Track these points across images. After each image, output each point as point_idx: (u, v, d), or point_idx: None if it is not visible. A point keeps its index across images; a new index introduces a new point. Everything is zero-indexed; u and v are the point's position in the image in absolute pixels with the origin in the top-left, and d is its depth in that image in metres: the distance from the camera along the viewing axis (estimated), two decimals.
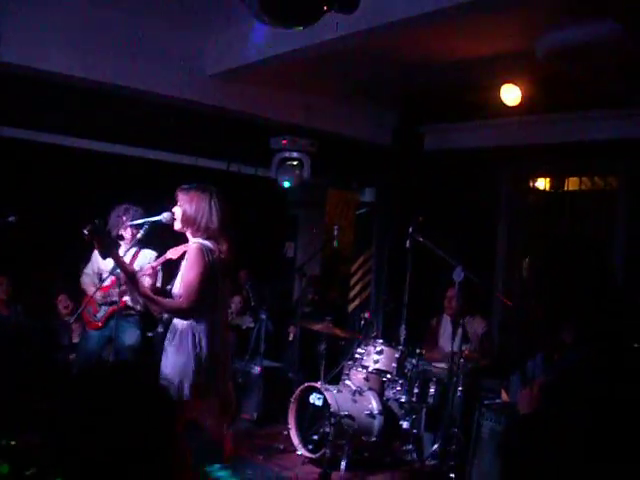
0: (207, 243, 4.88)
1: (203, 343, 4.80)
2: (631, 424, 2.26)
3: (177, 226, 4.97)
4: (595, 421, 2.25)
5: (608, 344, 2.32)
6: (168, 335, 4.93)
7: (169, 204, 5.02)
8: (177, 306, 4.79)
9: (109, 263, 6.21)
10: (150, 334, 5.64)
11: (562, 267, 2.52)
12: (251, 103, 8.13)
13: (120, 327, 6.53)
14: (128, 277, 4.86)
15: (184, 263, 4.85)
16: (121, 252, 6.66)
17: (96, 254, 6.67)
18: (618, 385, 2.25)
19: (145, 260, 6.62)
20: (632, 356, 2.33)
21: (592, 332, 2.37)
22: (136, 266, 6.44)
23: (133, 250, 6.70)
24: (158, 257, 6.05)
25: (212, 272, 4.84)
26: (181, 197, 4.98)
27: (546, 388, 2.44)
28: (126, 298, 6.73)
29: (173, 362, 4.78)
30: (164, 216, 5.03)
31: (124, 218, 6.69)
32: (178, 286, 4.83)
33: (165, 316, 5.56)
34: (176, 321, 4.90)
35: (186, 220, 4.93)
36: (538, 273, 2.60)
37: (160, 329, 5.23)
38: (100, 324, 6.84)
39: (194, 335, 4.79)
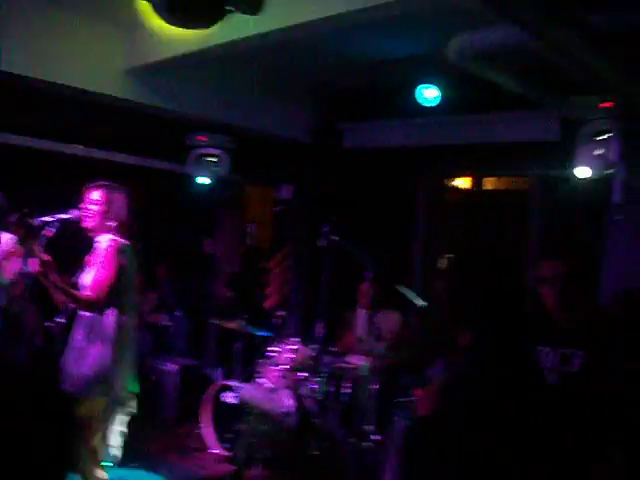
0: (121, 240, 4.85)
1: (112, 337, 4.78)
2: (512, 425, 2.31)
3: (88, 223, 4.91)
4: (477, 422, 2.29)
5: (497, 348, 2.37)
6: (77, 329, 4.86)
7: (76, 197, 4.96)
8: (86, 299, 4.73)
9: None
10: (48, 324, 5.52)
11: (463, 278, 2.58)
12: (168, 98, 8.04)
13: None
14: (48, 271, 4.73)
15: (99, 257, 4.80)
16: None
17: None
18: (501, 387, 2.30)
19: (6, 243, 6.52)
20: (516, 360, 2.38)
21: (485, 337, 2.41)
22: None
23: None
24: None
25: (125, 268, 4.84)
26: (93, 194, 4.94)
27: (441, 390, 2.48)
28: None
29: (85, 356, 4.74)
30: (74, 213, 4.97)
31: None
32: (88, 279, 4.79)
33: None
34: (85, 315, 4.84)
35: (100, 217, 4.88)
36: (448, 282, 2.67)
37: (60, 319, 5.13)
38: None
39: (104, 329, 4.76)
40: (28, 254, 4.90)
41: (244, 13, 3.03)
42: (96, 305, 4.76)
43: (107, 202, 4.91)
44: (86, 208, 4.91)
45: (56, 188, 7.55)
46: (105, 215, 4.90)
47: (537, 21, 3.58)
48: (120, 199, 5.00)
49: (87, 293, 4.74)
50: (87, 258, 4.97)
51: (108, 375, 4.79)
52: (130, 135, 8.72)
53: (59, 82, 7.23)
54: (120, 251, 4.84)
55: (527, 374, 2.42)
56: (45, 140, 8.70)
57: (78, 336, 4.84)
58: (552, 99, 6.52)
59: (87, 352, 4.77)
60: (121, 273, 4.82)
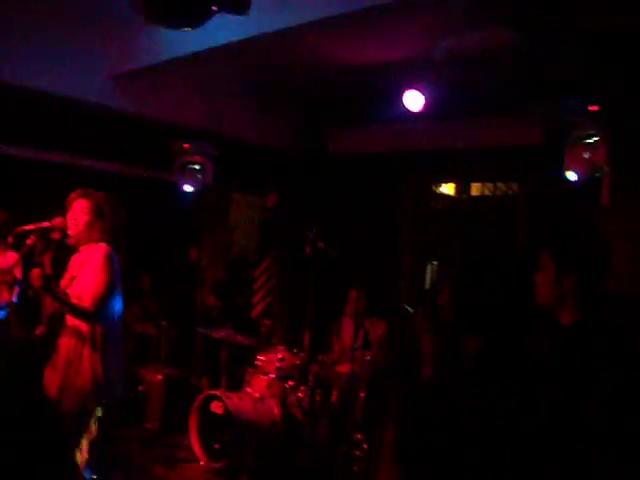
0: (111, 249, 4.78)
1: (107, 347, 4.71)
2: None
3: (74, 232, 4.82)
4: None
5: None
6: (69, 339, 4.75)
7: (59, 206, 4.88)
8: (85, 310, 4.63)
9: None
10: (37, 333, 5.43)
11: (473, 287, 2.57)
12: (152, 106, 8.00)
13: None
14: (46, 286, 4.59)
15: (93, 266, 4.71)
16: None
17: None
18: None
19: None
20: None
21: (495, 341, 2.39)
22: None
23: None
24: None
25: (116, 277, 4.77)
26: (80, 202, 4.85)
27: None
28: None
29: (83, 366, 4.66)
30: (55, 222, 4.88)
31: None
32: (80, 288, 4.70)
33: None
34: (77, 324, 4.74)
35: (87, 226, 4.80)
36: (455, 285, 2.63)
37: (42, 328, 5.05)
38: None
39: (99, 339, 4.69)
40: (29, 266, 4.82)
41: (231, 13, 2.97)
42: (93, 315, 4.67)
43: (94, 210, 4.83)
44: (73, 217, 4.81)
45: (39, 196, 7.50)
46: (92, 224, 4.81)
47: (529, 21, 3.54)
48: (107, 207, 4.92)
49: (85, 304, 4.64)
50: (73, 266, 4.88)
51: (107, 382, 4.72)
52: (114, 142, 8.67)
53: (42, 89, 7.18)
54: (113, 261, 4.77)
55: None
56: (27, 148, 8.64)
57: (70, 346, 4.75)
58: (537, 102, 6.53)
59: (84, 361, 4.68)
60: (113, 282, 4.75)
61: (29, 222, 4.95)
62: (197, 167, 8.75)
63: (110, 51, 7.37)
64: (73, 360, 4.68)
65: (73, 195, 4.88)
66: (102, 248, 4.78)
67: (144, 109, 8.00)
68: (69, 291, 4.73)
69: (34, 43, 6.97)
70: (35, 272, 4.46)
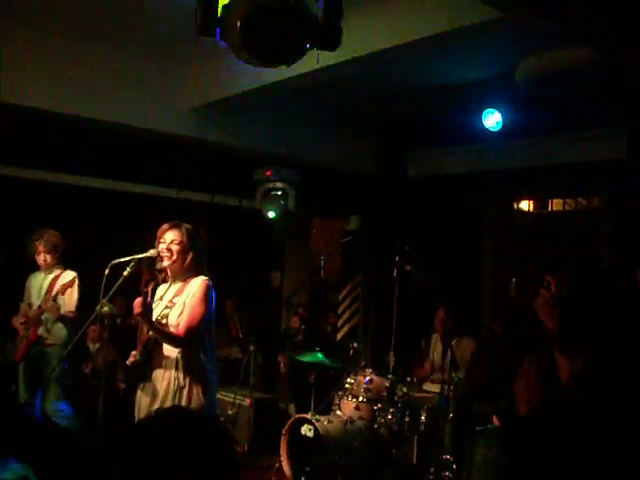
0: (209, 281, 4.88)
1: (208, 376, 4.83)
2: None
3: (166, 263, 4.91)
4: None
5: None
6: (164, 369, 4.84)
7: (149, 236, 5.00)
8: (177, 337, 4.73)
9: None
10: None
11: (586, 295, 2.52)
12: (233, 135, 8.16)
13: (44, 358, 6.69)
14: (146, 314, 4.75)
15: (191, 295, 4.79)
16: (41, 277, 6.91)
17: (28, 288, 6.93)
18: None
19: (67, 279, 6.76)
20: None
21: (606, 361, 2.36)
22: (59, 286, 6.68)
23: (53, 274, 6.83)
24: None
25: (214, 309, 4.88)
26: (170, 234, 4.93)
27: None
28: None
29: (188, 397, 4.76)
30: (151, 252, 4.99)
31: (37, 243, 6.75)
32: (176, 317, 4.78)
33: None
34: (173, 352, 4.82)
35: (180, 256, 4.89)
36: (564, 301, 2.58)
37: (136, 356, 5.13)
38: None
39: (202, 368, 4.80)
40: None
41: (321, 49, 3.05)
42: (187, 343, 4.77)
43: (186, 241, 4.92)
44: (166, 248, 4.90)
45: (126, 228, 7.68)
46: (185, 254, 4.90)
47: (610, 40, 3.54)
48: (197, 237, 5.01)
49: (179, 333, 4.74)
50: (168, 296, 4.99)
51: (210, 409, 4.86)
52: (197, 172, 8.83)
53: (126, 123, 7.40)
54: (212, 293, 4.87)
55: None
56: (117, 181, 8.89)
57: (171, 375, 4.81)
58: (620, 116, 6.46)
59: (188, 391, 4.76)
60: (211, 314, 4.86)
61: (122, 254, 5.11)
62: (279, 193, 8.88)
63: (191, 83, 7.55)
64: (175, 389, 4.75)
65: (164, 227, 4.94)
66: (201, 280, 4.86)
67: (225, 138, 8.16)
68: (169, 320, 4.83)
69: (118, 80, 7.19)
70: (137, 301, 4.61)
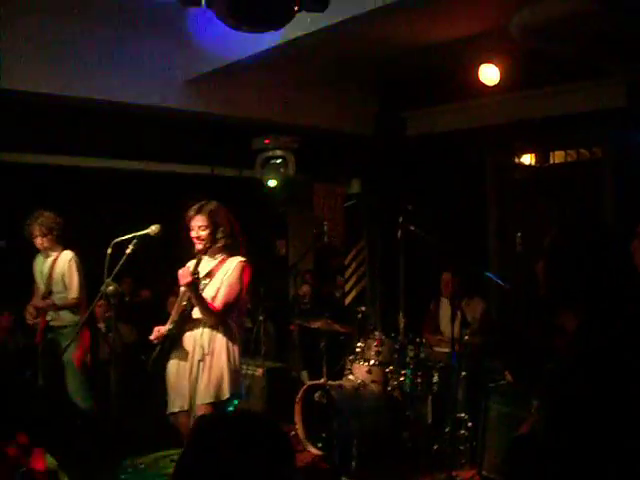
0: (247, 262, 5.11)
1: (239, 342, 5.15)
2: None
3: (200, 247, 5.02)
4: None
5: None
6: (196, 335, 5.04)
7: (150, 213, 5.01)
8: (214, 309, 4.96)
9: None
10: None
11: (570, 250, 2.45)
12: (228, 105, 8.10)
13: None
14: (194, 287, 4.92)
15: (229, 274, 5.02)
16: (41, 260, 6.92)
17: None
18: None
19: (66, 258, 6.76)
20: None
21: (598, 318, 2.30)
22: (58, 269, 6.71)
23: (52, 257, 6.81)
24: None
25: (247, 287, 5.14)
26: (196, 219, 5.04)
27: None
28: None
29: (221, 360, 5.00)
30: (152, 229, 5.02)
31: (32, 227, 6.73)
32: (215, 291, 5.00)
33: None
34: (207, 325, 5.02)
35: (210, 239, 5.03)
36: (550, 255, 2.51)
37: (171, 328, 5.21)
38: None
39: (236, 334, 5.10)
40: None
41: (311, 11, 3.00)
42: (222, 317, 5.00)
43: (212, 223, 5.02)
44: (195, 235, 5.02)
45: (132, 204, 7.65)
46: (214, 235, 5.03)
47: None
48: (222, 216, 5.09)
49: (217, 306, 4.96)
50: (205, 270, 5.08)
51: (239, 374, 5.14)
52: (196, 145, 8.79)
53: (118, 100, 7.35)
54: (247, 273, 5.06)
55: None
56: (116, 159, 8.85)
57: (204, 341, 5.01)
58: (619, 62, 6.37)
59: (222, 354, 5.00)
60: (244, 291, 5.08)
61: (126, 232, 5.11)
62: (279, 161, 8.84)
63: (185, 56, 7.48)
64: (207, 353, 4.98)
65: (190, 214, 5.07)
66: (238, 261, 5.07)
67: (221, 109, 8.10)
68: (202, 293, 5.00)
69: (108, 55, 7.12)
70: (185, 270, 4.86)
